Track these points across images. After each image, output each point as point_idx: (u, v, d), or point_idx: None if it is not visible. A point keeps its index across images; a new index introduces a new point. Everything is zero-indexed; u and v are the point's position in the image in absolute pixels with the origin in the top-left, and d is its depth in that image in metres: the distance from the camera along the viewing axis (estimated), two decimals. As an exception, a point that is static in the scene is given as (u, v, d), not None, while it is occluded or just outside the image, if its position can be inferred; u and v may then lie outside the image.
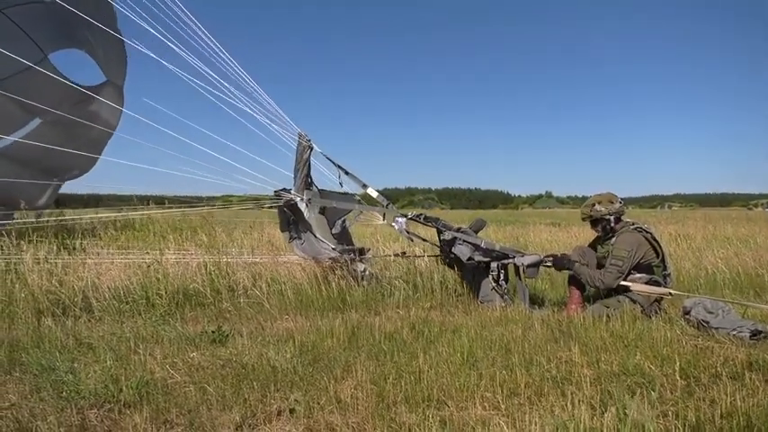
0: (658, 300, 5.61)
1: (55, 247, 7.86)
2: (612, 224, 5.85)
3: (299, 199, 6.91)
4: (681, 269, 8.24)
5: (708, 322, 4.83)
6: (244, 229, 11.69)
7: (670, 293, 5.56)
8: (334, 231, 7.29)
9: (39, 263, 6.87)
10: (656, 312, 5.50)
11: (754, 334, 4.51)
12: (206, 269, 6.96)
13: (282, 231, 7.31)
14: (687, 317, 5.09)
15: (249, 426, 3.11)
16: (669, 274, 5.79)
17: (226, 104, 6.93)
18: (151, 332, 5.03)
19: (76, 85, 10.11)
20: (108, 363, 4.02)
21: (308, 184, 7.09)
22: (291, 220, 7.09)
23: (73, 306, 6.00)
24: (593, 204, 5.88)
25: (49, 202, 11.75)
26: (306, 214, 6.99)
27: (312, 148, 7.01)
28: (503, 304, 6.09)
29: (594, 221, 5.95)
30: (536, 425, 2.91)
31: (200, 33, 6.80)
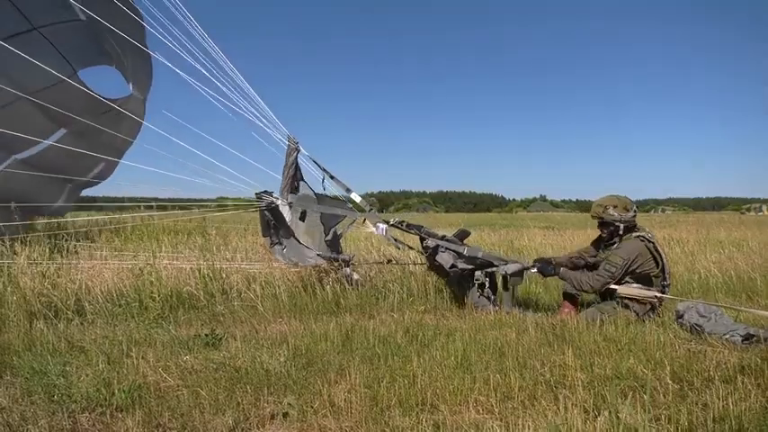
0: (654, 308, 5.60)
1: (47, 250, 7.82)
2: (621, 231, 5.73)
3: (280, 202, 6.83)
4: (674, 273, 8.23)
5: (701, 326, 4.85)
6: (238, 232, 11.69)
7: (656, 296, 5.54)
8: (327, 238, 7.15)
9: (32, 265, 6.83)
10: (650, 318, 5.51)
11: (747, 338, 4.53)
12: (200, 272, 6.93)
13: (264, 236, 7.23)
14: (680, 321, 5.12)
15: (242, 430, 3.10)
16: (668, 285, 5.71)
17: (219, 104, 6.90)
18: (144, 335, 5.01)
19: (104, 98, 10.53)
20: (100, 366, 4.00)
21: (293, 187, 7.01)
22: (272, 225, 6.99)
23: (65, 309, 5.96)
24: (608, 207, 5.75)
25: (63, 207, 11.88)
26: (288, 218, 6.89)
27: (299, 151, 6.97)
28: (495, 308, 6.06)
29: (604, 223, 5.85)
30: (529, 428, 2.92)
31: (192, 31, 6.83)
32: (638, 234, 5.69)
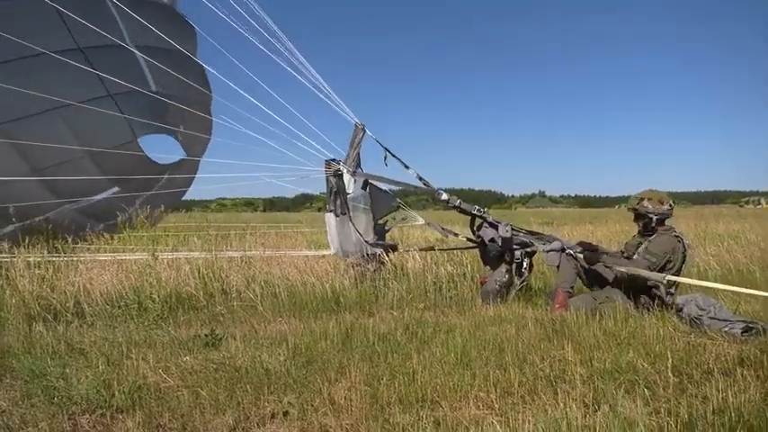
0: (648, 307, 5.65)
1: (46, 251, 7.82)
2: (654, 224, 5.88)
3: (345, 170, 7.25)
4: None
5: (700, 319, 4.86)
6: (237, 232, 11.72)
7: (666, 280, 5.61)
8: (374, 226, 7.55)
9: (30, 268, 6.82)
10: (648, 310, 5.53)
11: (746, 330, 4.55)
12: (199, 272, 6.93)
13: (327, 203, 7.56)
14: (680, 314, 5.12)
15: (242, 429, 3.10)
16: (674, 293, 5.77)
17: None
18: (144, 336, 5.00)
19: (160, 164, 12.48)
20: (100, 368, 3.99)
21: (358, 164, 7.49)
22: (334, 192, 7.26)
23: (64, 311, 5.95)
24: (642, 199, 5.94)
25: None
26: (350, 191, 7.26)
27: (365, 131, 7.48)
28: (519, 285, 6.43)
29: (638, 215, 6.02)
30: (529, 423, 2.92)
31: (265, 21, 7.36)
32: (676, 234, 5.84)
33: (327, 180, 7.31)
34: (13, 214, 9.34)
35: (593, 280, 6.17)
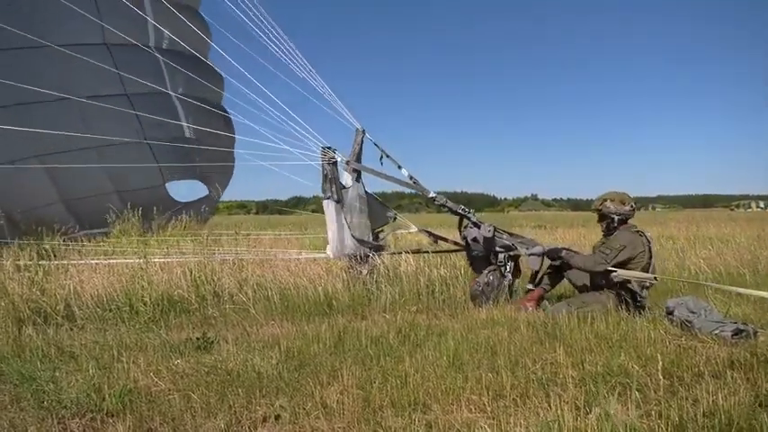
0: (627, 302, 5.72)
1: (35, 254, 7.75)
2: (615, 224, 5.96)
3: (339, 158, 7.46)
4: (664, 269, 8.34)
5: (690, 322, 4.89)
6: (229, 235, 11.70)
7: (655, 278, 5.82)
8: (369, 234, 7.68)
9: (20, 270, 6.76)
10: (628, 311, 5.58)
11: (736, 333, 4.57)
12: (191, 275, 6.89)
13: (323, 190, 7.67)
14: (670, 317, 5.15)
15: (234, 433, 3.08)
16: (648, 286, 5.86)
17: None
18: (135, 340, 4.98)
19: (182, 201, 13.73)
20: (90, 371, 3.96)
21: (356, 161, 7.75)
22: (329, 179, 7.38)
23: (55, 314, 5.90)
24: (605, 200, 6.02)
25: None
26: (343, 183, 7.44)
27: (364, 133, 7.82)
28: (507, 286, 6.51)
29: (601, 216, 6.10)
30: (521, 427, 2.93)
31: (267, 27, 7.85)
32: (637, 229, 5.92)
33: (322, 167, 7.46)
34: (30, 230, 9.75)
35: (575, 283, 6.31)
